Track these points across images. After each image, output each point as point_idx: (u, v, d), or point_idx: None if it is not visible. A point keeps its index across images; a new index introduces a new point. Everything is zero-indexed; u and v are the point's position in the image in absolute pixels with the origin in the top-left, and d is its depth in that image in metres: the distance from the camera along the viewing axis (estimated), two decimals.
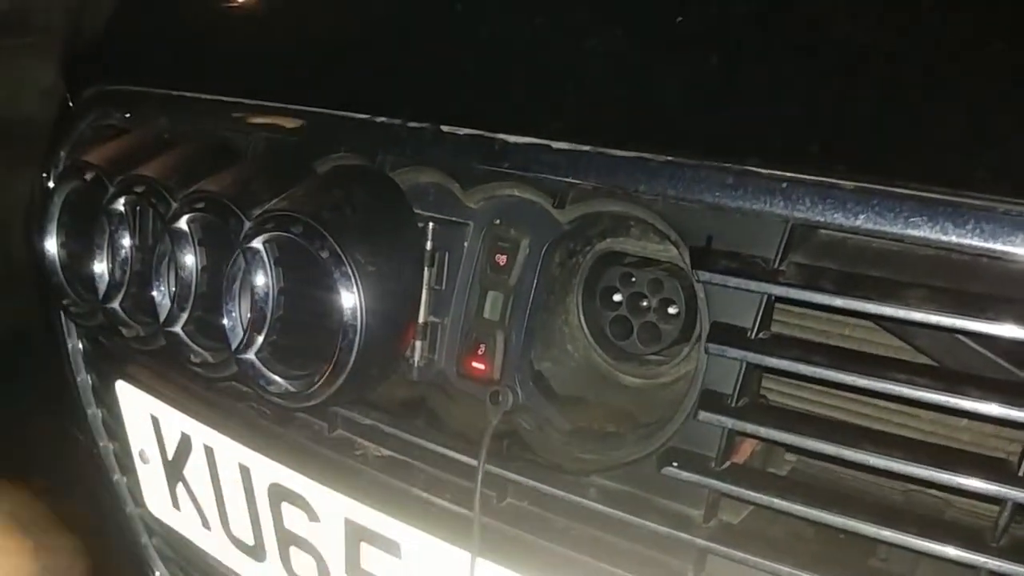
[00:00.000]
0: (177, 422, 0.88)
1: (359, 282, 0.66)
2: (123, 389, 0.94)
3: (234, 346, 0.71)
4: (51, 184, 1.06)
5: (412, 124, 0.71)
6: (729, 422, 0.57)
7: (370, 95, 0.75)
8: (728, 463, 0.59)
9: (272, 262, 0.69)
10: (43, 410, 1.23)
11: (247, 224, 0.70)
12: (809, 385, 0.67)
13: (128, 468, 1.03)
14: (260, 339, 0.70)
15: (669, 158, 0.59)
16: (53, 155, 1.07)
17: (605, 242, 0.71)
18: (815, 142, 0.55)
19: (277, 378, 0.71)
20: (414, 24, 0.76)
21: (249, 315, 0.71)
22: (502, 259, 0.70)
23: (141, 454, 0.95)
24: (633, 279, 0.70)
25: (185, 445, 0.88)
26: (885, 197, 0.52)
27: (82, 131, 1.03)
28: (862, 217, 0.53)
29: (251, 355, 0.71)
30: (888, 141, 0.53)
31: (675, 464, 0.59)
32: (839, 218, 0.53)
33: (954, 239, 0.50)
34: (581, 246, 0.71)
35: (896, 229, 0.52)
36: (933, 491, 0.63)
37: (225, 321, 0.72)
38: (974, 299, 0.51)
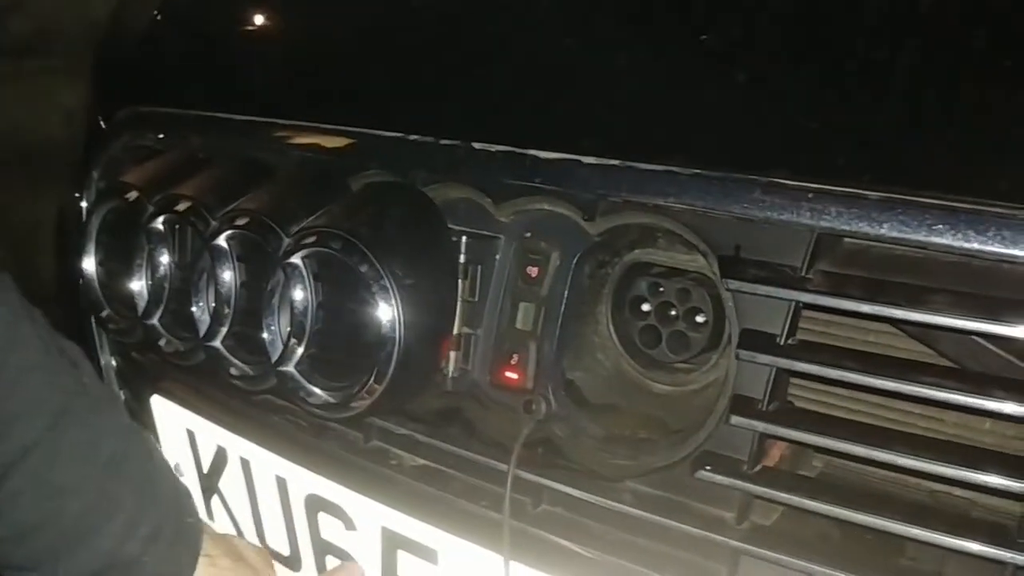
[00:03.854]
0: (213, 435, 0.90)
1: (397, 295, 0.68)
2: (158, 404, 0.96)
3: (274, 359, 0.74)
4: (84, 204, 1.09)
5: (444, 141, 0.74)
6: (760, 426, 0.59)
7: (403, 113, 0.78)
8: (760, 466, 0.61)
9: (311, 277, 0.72)
10: None
11: (286, 240, 0.73)
12: (834, 391, 0.69)
13: None
14: (300, 351, 0.72)
15: (697, 171, 0.62)
16: (86, 175, 1.10)
17: (633, 253, 0.73)
18: (840, 153, 0.57)
19: (317, 389, 0.73)
20: (445, 42, 0.79)
21: (288, 329, 0.73)
22: (533, 271, 0.72)
23: (176, 468, 0.97)
24: (661, 289, 0.72)
25: (221, 458, 0.90)
26: (909, 206, 0.54)
27: (115, 152, 1.05)
28: (886, 226, 0.55)
29: (291, 367, 0.73)
30: (911, 152, 0.55)
31: (708, 468, 0.61)
32: (864, 227, 0.55)
33: (976, 246, 0.52)
34: (610, 257, 0.73)
35: (920, 237, 0.54)
36: (958, 492, 0.65)
37: (264, 335, 0.74)
38: (996, 303, 0.53)
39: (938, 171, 0.54)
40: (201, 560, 0.74)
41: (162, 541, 0.71)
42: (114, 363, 1.10)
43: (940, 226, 0.53)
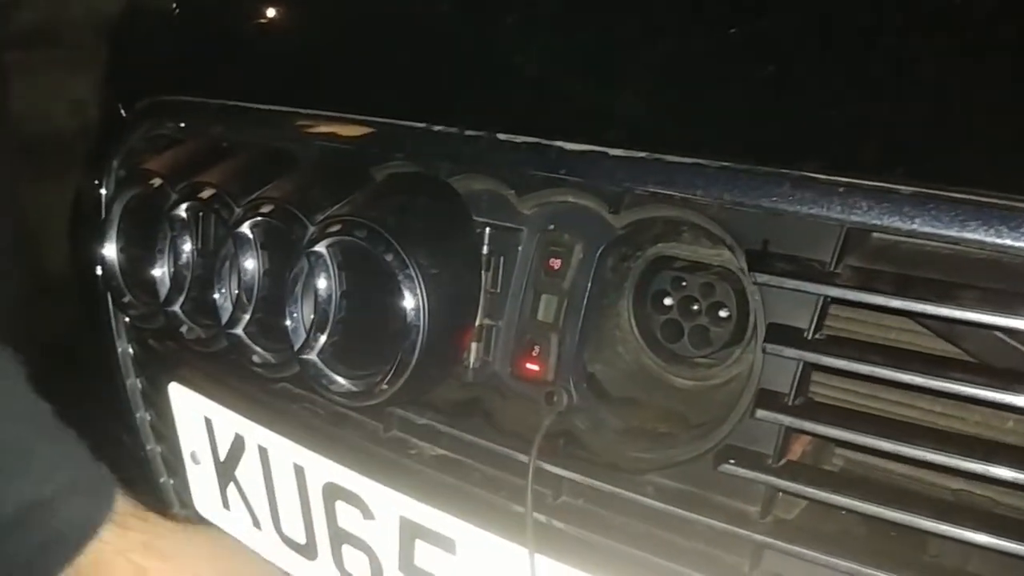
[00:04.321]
0: (231, 423, 0.90)
1: (422, 285, 0.68)
2: (176, 391, 0.97)
3: (296, 347, 0.74)
4: (104, 191, 1.09)
5: (469, 132, 0.74)
6: (786, 420, 0.59)
7: (427, 103, 0.78)
8: (784, 460, 0.61)
9: (335, 265, 0.72)
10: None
11: (311, 229, 0.73)
12: (853, 388, 0.69)
13: (176, 470, 1.06)
14: (323, 339, 0.72)
15: (726, 164, 0.61)
16: (104, 164, 1.10)
17: (656, 247, 0.73)
18: (872, 147, 0.57)
19: (339, 378, 0.73)
20: (471, 34, 0.79)
21: (311, 317, 0.73)
22: (556, 263, 0.72)
23: (193, 455, 0.98)
24: (684, 283, 0.72)
25: (238, 446, 0.91)
26: (941, 201, 0.53)
27: (135, 141, 1.06)
28: (918, 221, 0.54)
29: (313, 356, 0.73)
30: (944, 146, 0.55)
31: (732, 461, 0.61)
32: (895, 222, 0.55)
33: (1009, 241, 0.52)
34: (633, 251, 0.73)
35: (952, 232, 0.53)
36: (979, 491, 0.65)
37: (288, 322, 0.74)
38: None
39: (971, 166, 0.54)
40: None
41: (79, 489, 0.73)
42: (131, 351, 1.10)
43: (972, 222, 0.53)
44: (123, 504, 0.76)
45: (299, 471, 0.84)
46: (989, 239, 0.52)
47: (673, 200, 0.65)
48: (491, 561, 0.72)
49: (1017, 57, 0.56)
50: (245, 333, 0.78)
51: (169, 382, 0.97)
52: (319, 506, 0.84)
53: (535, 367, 0.73)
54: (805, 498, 0.60)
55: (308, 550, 0.88)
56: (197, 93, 0.99)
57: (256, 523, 0.93)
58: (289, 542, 0.90)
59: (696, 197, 0.63)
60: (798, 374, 0.59)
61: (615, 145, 0.66)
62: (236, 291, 0.78)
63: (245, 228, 0.77)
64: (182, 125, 0.99)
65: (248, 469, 0.91)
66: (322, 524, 0.85)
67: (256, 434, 0.88)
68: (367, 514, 0.80)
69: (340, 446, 0.82)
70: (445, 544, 0.75)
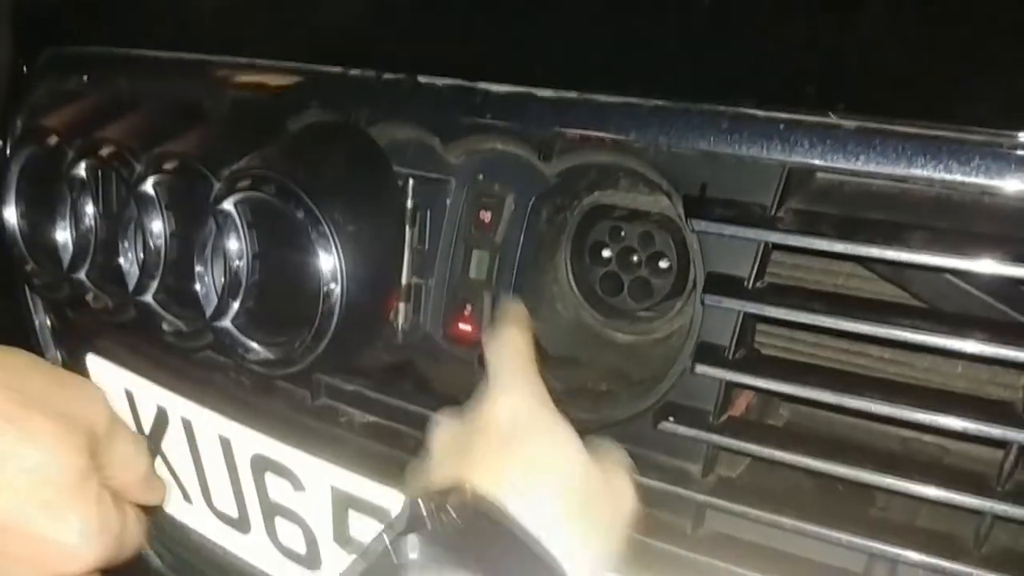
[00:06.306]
0: (153, 396, 0.85)
1: (338, 242, 0.63)
2: (95, 364, 0.91)
3: (208, 313, 0.68)
4: (7, 152, 1.01)
5: (387, 76, 0.68)
6: (727, 375, 0.56)
7: (341, 46, 0.72)
8: (726, 416, 0.58)
9: (245, 225, 0.66)
10: None
11: (217, 185, 0.67)
12: (798, 337, 0.66)
13: None
14: (236, 305, 0.67)
15: (660, 103, 0.57)
16: (8, 124, 1.02)
17: (592, 196, 0.68)
18: (813, 81, 0.53)
19: (255, 345, 0.68)
20: None
21: (223, 281, 0.68)
22: (487, 216, 0.68)
23: None
24: (622, 233, 0.68)
25: (162, 419, 0.85)
26: (887, 136, 0.50)
27: (39, 97, 0.98)
28: (862, 158, 0.51)
29: (227, 322, 0.68)
30: (889, 78, 0.51)
31: (672, 419, 0.58)
32: (839, 160, 0.51)
33: (959, 177, 0.48)
34: (568, 201, 0.68)
35: (898, 170, 0.50)
36: (928, 439, 0.63)
37: (198, 287, 0.69)
38: (978, 240, 0.49)
39: (918, 97, 0.50)
40: None
41: None
42: (48, 322, 1.04)
43: (920, 157, 0.49)
44: None
45: (225, 443, 0.80)
46: (938, 175, 0.49)
47: (607, 144, 0.61)
48: None
49: None
50: (155, 300, 0.72)
51: (87, 354, 0.92)
52: (248, 479, 0.80)
53: (468, 327, 0.69)
54: (748, 455, 0.57)
55: (241, 524, 0.84)
56: (100, 43, 0.91)
57: (187, 497, 0.89)
58: (221, 516, 0.86)
59: (630, 140, 0.59)
60: (738, 326, 0.56)
61: (543, 85, 0.61)
62: (143, 255, 0.72)
63: (147, 186, 0.70)
64: (85, 78, 0.92)
65: (174, 443, 0.86)
66: (253, 497, 0.80)
67: (179, 407, 0.83)
68: (297, 485, 0.76)
69: (266, 416, 0.77)
70: (379, 514, 0.71)
